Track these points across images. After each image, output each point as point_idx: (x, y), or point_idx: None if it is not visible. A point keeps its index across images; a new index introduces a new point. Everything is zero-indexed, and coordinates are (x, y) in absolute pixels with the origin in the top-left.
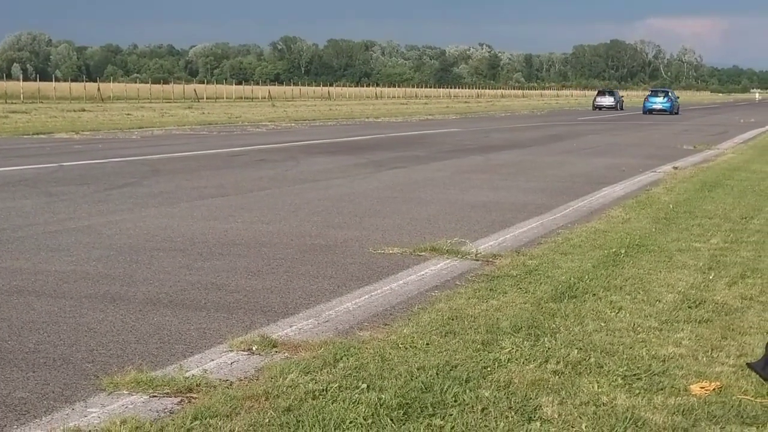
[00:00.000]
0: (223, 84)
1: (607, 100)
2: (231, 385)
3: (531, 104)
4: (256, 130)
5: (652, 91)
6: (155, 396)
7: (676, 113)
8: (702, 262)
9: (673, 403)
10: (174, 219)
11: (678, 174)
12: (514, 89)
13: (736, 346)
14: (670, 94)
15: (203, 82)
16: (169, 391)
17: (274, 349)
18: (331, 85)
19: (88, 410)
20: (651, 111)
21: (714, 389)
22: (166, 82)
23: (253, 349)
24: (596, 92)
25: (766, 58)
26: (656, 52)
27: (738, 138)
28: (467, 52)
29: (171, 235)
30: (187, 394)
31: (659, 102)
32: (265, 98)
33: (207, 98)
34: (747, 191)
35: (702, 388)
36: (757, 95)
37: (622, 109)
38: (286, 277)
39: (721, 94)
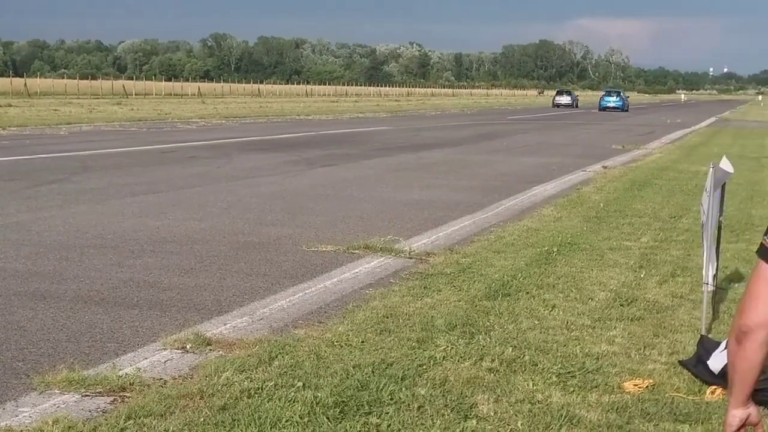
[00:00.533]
0: (152, 80)
1: (565, 99)
2: (165, 383)
3: (461, 103)
4: (187, 127)
5: (606, 91)
6: (88, 395)
7: (627, 110)
8: (633, 260)
9: (607, 400)
10: (105, 216)
11: (607, 173)
12: (444, 88)
13: (667, 344)
14: (621, 94)
15: (132, 79)
16: (102, 390)
17: (209, 348)
18: (261, 82)
19: (19, 410)
20: (605, 108)
21: (647, 387)
22: (94, 77)
23: (187, 347)
24: (556, 92)
25: (691, 60)
26: (584, 53)
27: (665, 138)
28: (397, 51)
29: (102, 232)
30: (121, 393)
31: (613, 101)
32: (194, 95)
33: (136, 94)
34: (675, 190)
35: (635, 385)
36: (682, 96)
37: (577, 107)
38: (219, 275)
39: (647, 95)
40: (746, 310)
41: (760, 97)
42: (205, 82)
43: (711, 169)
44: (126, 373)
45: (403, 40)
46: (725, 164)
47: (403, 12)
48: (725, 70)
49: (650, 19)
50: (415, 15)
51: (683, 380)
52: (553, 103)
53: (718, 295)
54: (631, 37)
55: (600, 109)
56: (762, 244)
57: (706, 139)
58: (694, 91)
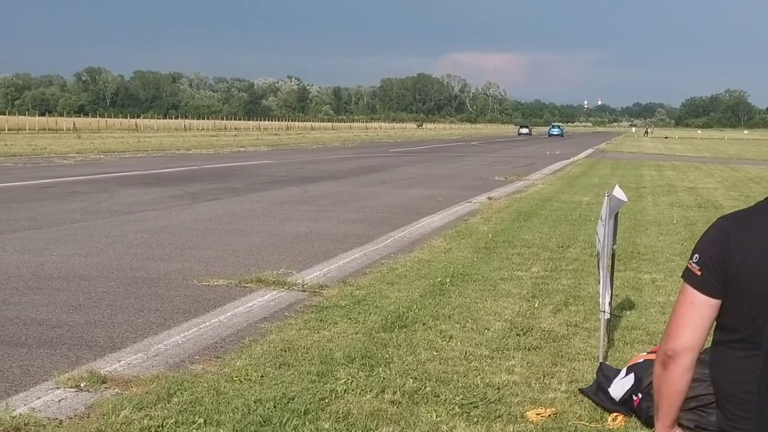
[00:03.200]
0: (25, 115)
1: (525, 130)
2: (61, 423)
3: (341, 136)
4: (64, 162)
5: (552, 125)
6: None
7: (563, 136)
8: (525, 290)
9: (511, 430)
10: None
11: (493, 204)
12: (323, 122)
13: (566, 373)
14: (561, 126)
15: (4, 114)
16: None
17: (104, 385)
18: (138, 116)
19: None
20: (551, 135)
21: (549, 415)
22: None
23: (82, 385)
24: (519, 126)
25: (566, 93)
26: (462, 86)
27: (546, 169)
28: (276, 85)
29: None
30: None
31: (557, 130)
32: (69, 130)
33: (9, 130)
34: (561, 220)
35: (538, 414)
36: None
37: (531, 135)
38: (109, 311)
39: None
40: (672, 335)
41: (633, 129)
42: (80, 116)
43: (606, 197)
44: (20, 414)
45: (282, 74)
46: (619, 193)
47: (281, 46)
48: (599, 102)
49: (525, 52)
50: (293, 49)
51: (585, 408)
52: (518, 133)
53: (612, 322)
54: (507, 70)
55: (549, 136)
56: (687, 268)
57: (586, 170)
58: (569, 124)
